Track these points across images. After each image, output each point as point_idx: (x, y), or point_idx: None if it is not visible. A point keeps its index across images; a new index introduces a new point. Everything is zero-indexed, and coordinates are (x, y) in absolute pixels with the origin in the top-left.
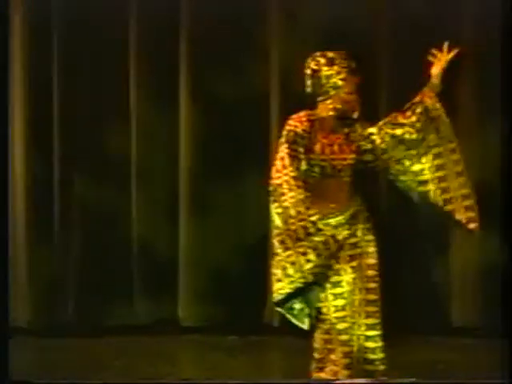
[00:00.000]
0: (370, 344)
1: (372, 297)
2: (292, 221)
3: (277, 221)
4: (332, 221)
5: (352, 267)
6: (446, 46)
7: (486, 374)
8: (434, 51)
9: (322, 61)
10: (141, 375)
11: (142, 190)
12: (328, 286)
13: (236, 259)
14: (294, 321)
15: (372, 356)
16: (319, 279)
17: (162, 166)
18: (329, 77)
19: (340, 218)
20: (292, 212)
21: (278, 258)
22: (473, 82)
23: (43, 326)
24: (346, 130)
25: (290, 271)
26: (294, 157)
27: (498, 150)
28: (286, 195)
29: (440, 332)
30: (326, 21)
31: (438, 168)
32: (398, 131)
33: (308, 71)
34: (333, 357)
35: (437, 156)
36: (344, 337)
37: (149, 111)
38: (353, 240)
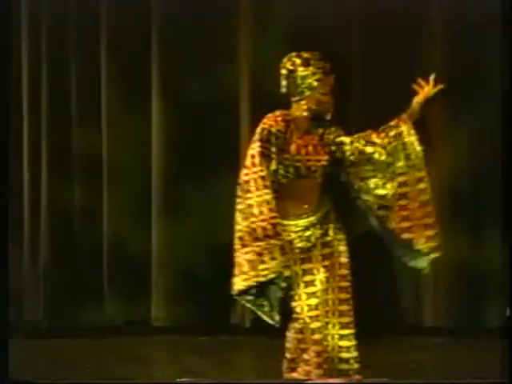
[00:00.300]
0: (344, 343)
1: (344, 295)
2: (253, 219)
3: (238, 217)
4: (304, 221)
5: (324, 266)
6: (432, 78)
7: (457, 373)
8: (420, 81)
9: (298, 61)
10: (112, 376)
11: (114, 190)
12: (301, 285)
13: (207, 260)
14: (264, 317)
15: (346, 355)
16: (275, 280)
17: (133, 166)
18: (304, 77)
19: (312, 218)
20: (255, 211)
21: (236, 253)
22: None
23: (14, 327)
24: (321, 131)
25: (245, 268)
26: (265, 156)
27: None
28: (252, 193)
29: (411, 332)
30: (297, 20)
31: (402, 196)
32: (369, 149)
33: (283, 71)
34: (306, 356)
35: (402, 184)
36: (317, 336)
37: (120, 111)
38: (325, 239)
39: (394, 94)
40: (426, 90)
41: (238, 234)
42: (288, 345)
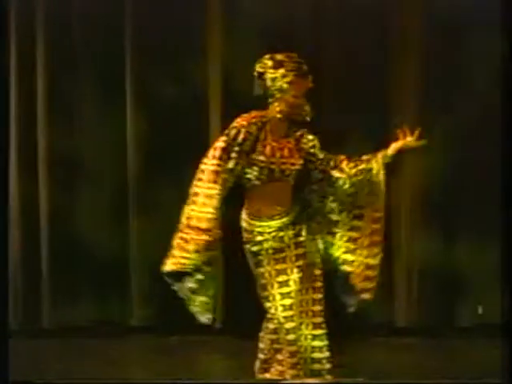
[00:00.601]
0: (317, 343)
1: (318, 296)
2: (194, 207)
3: (187, 201)
4: (277, 222)
5: (298, 266)
6: (417, 132)
7: (430, 373)
8: (405, 130)
9: (269, 63)
10: (85, 377)
11: (88, 190)
12: (275, 285)
13: None
14: (195, 312)
15: (318, 355)
16: (193, 271)
17: (108, 166)
18: (274, 79)
19: (285, 219)
20: (198, 200)
21: (175, 235)
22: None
23: None
24: (298, 135)
25: (175, 252)
26: (226, 152)
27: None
28: (202, 182)
29: (384, 332)
30: (269, 21)
31: (353, 228)
32: (336, 173)
33: (255, 73)
34: (279, 357)
35: (357, 217)
36: (291, 336)
37: (94, 111)
38: (298, 240)
39: (369, 95)
40: (407, 140)
41: (182, 216)
42: (261, 345)
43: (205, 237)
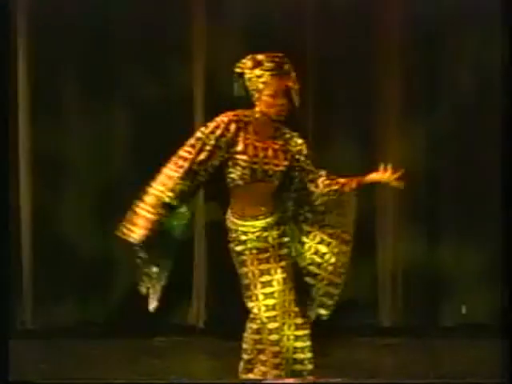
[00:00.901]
0: (299, 343)
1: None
2: (154, 184)
3: None
4: (261, 222)
5: (282, 267)
6: (401, 171)
7: (414, 372)
8: (388, 168)
9: (248, 63)
10: (68, 377)
11: (73, 191)
12: (258, 285)
13: None
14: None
15: (301, 356)
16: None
17: (92, 166)
18: (250, 79)
19: (269, 220)
20: (160, 178)
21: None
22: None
23: None
24: (287, 137)
25: (127, 223)
26: (201, 143)
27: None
28: (170, 164)
29: (368, 332)
30: (252, 22)
31: (322, 242)
32: (310, 187)
33: (235, 74)
34: (262, 357)
35: (328, 234)
36: (274, 336)
37: (77, 112)
38: (282, 240)
39: (351, 93)
40: (386, 176)
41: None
42: (245, 346)
43: (151, 216)
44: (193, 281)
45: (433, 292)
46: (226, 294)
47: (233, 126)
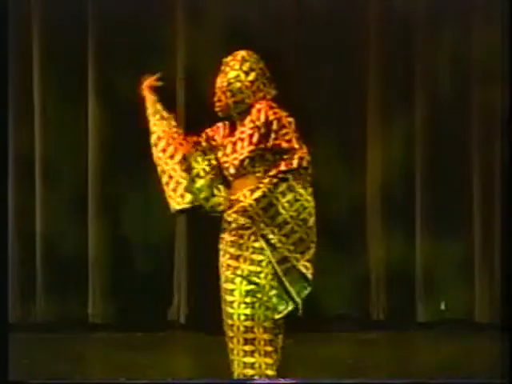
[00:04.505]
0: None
1: None
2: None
3: None
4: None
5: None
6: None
7: (395, 367)
8: None
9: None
10: (48, 373)
11: (50, 189)
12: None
13: (143, 258)
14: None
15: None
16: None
17: (68, 165)
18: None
19: None
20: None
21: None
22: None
23: None
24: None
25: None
26: (199, 136)
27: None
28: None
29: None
30: (233, 20)
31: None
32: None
33: None
34: None
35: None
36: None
37: (56, 111)
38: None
39: (330, 93)
40: None
41: None
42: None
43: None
44: (173, 276)
45: (412, 288)
46: (207, 288)
47: (216, 131)
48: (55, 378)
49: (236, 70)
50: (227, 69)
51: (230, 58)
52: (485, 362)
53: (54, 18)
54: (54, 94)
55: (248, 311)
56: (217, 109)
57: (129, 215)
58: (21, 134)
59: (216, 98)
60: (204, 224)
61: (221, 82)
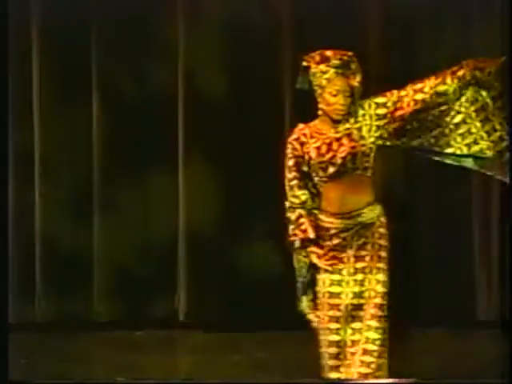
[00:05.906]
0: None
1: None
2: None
3: None
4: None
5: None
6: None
7: (395, 367)
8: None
9: (316, 58)
10: (49, 373)
11: (52, 188)
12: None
13: (143, 257)
14: None
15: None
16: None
17: (72, 164)
18: (315, 74)
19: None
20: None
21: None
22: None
23: None
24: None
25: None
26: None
27: None
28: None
29: None
30: (233, 20)
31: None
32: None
33: (302, 66)
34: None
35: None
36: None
37: (57, 110)
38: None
39: None
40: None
41: None
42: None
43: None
44: (174, 274)
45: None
46: (207, 286)
47: (301, 135)
48: (55, 378)
49: (360, 72)
50: (353, 66)
51: (350, 57)
52: (485, 362)
53: (54, 18)
54: (54, 93)
55: (356, 289)
56: (341, 113)
57: (129, 215)
58: (21, 133)
59: (340, 101)
60: (204, 224)
61: (349, 81)
